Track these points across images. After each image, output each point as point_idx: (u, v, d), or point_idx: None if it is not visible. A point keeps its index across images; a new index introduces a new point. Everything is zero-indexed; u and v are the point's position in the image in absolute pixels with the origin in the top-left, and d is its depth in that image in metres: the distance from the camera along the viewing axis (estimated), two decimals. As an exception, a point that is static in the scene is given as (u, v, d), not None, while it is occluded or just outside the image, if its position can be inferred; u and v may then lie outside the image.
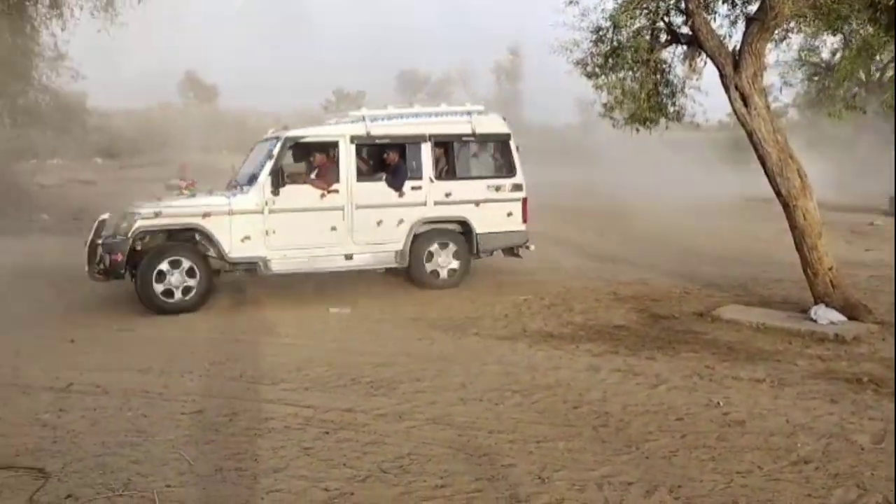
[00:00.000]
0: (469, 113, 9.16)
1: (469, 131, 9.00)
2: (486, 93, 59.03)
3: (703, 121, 9.00)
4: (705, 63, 7.78)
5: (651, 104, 8.49)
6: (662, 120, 8.76)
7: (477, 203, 8.90)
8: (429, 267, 8.76)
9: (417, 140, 8.78)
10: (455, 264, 8.87)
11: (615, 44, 8.13)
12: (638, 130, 9.03)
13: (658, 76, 8.38)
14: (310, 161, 8.70)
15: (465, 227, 8.90)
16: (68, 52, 11.68)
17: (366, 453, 4.14)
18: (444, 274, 8.84)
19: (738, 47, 7.43)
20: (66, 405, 4.87)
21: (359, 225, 8.45)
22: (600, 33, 8.24)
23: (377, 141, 8.75)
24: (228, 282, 8.73)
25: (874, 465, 3.99)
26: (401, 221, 8.59)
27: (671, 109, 8.75)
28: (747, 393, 5.18)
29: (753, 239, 12.94)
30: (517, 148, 9.25)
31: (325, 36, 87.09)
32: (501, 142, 9.23)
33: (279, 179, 8.07)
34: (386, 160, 8.89)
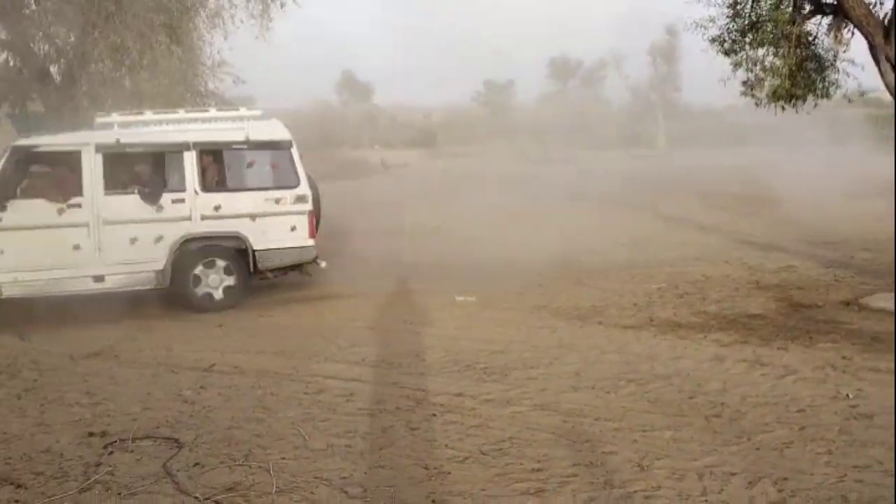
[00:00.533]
0: (243, 119, 8.24)
1: (242, 138, 8.07)
2: (640, 75, 57.52)
3: (857, 95, 8.33)
4: (852, 34, 7.25)
5: (796, 80, 8.04)
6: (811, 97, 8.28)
7: (253, 217, 7.93)
8: (198, 287, 7.80)
9: (179, 149, 7.85)
10: (229, 283, 7.86)
11: (753, 18, 7.75)
12: (784, 109, 8.58)
13: (802, 50, 7.89)
14: (50, 173, 7.91)
15: (241, 244, 7.91)
16: (224, 59, 12.61)
17: (468, 436, 4.26)
18: (215, 294, 7.84)
19: (889, 15, 6.86)
20: (206, 383, 5.34)
21: (108, 243, 7.52)
22: (737, 7, 7.90)
23: (128, 150, 7.82)
24: (372, 271, 9.12)
25: None
26: (160, 238, 7.67)
27: (820, 85, 8.24)
28: (883, 386, 4.82)
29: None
30: (300, 156, 8.28)
31: (474, 27, 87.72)
32: (281, 149, 8.21)
33: (5, 193, 7.27)
34: (139, 171, 8.11)
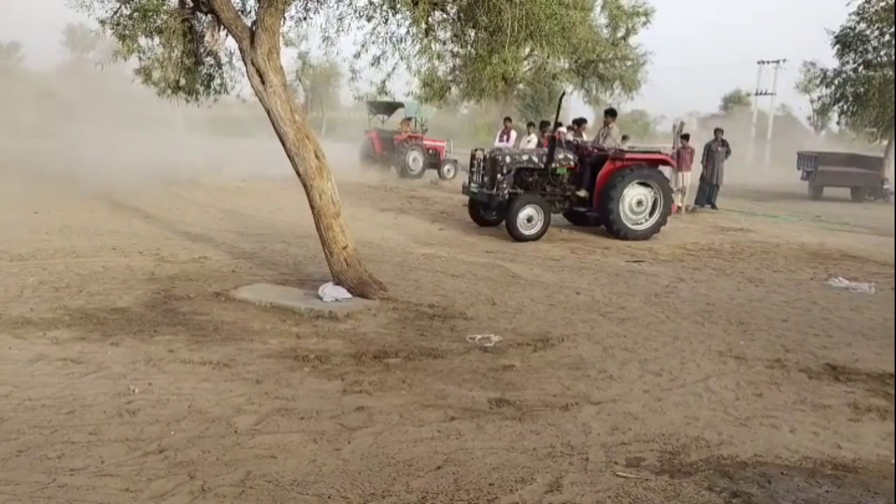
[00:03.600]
0: None
1: None
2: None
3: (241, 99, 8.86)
4: (228, 35, 7.52)
5: (193, 74, 8.14)
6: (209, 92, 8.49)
7: None
8: None
9: None
10: None
11: (143, 4, 7.57)
12: (188, 101, 8.64)
13: (196, 45, 8.00)
14: None
15: None
16: None
17: None
18: None
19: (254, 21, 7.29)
20: None
21: None
22: (125, -9, 7.65)
23: None
24: None
25: (228, 448, 3.96)
26: None
27: (217, 81, 8.48)
28: (180, 377, 5.00)
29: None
30: None
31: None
32: None
33: None
34: None
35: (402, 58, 7.97)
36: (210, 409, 4.48)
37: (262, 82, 7.19)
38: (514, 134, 17.01)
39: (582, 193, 12.37)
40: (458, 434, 4.26)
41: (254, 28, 7.20)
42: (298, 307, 6.87)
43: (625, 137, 13.08)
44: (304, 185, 7.42)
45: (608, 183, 12.14)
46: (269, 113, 7.30)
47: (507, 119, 18.34)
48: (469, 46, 7.72)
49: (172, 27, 7.41)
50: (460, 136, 49.25)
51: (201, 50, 8.12)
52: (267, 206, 14.19)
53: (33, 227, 10.67)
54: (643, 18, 26.46)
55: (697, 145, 19.07)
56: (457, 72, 8.24)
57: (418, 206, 15.52)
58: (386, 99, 23.95)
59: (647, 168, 12.50)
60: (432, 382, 5.13)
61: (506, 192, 11.82)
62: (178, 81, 7.90)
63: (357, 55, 7.84)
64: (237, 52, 7.87)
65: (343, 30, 7.91)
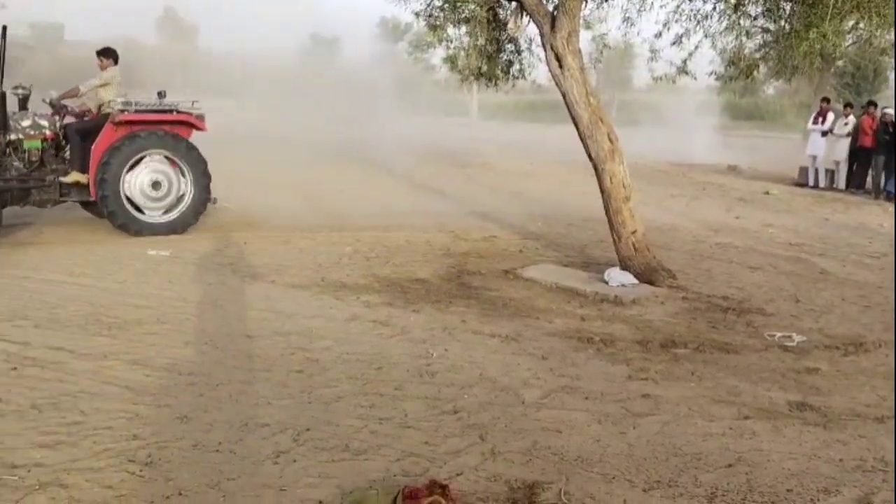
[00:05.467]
0: None
1: None
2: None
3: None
4: (529, 21, 7.71)
5: (494, 61, 8.50)
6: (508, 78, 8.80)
7: None
8: None
9: None
10: None
11: (454, -5, 8.05)
12: (488, 86, 9.06)
13: (499, 33, 8.33)
14: None
15: None
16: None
17: (32, 388, 4.22)
18: None
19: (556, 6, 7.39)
20: None
21: None
22: (440, -16, 8.17)
23: None
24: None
25: (515, 417, 4.12)
26: None
27: (517, 67, 8.75)
28: (472, 346, 5.29)
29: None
30: None
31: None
32: None
33: None
34: None
35: (706, 35, 7.63)
36: (499, 378, 4.69)
37: (560, 66, 7.28)
38: (831, 116, 15.39)
39: (71, 179, 8.51)
40: (752, 434, 4.01)
41: (555, 13, 7.30)
42: (583, 289, 6.91)
43: (160, 94, 8.97)
44: (595, 168, 7.41)
45: (105, 157, 8.52)
46: (564, 96, 7.37)
47: (825, 99, 16.58)
48: (783, 21, 7.13)
49: (479, 16, 7.76)
50: (765, 119, 45.86)
51: (503, 37, 8.42)
52: (555, 189, 14.43)
53: (341, 206, 11.92)
54: None
55: None
56: (766, 48, 7.60)
57: (713, 193, 14.76)
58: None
59: (166, 135, 8.78)
60: (724, 377, 4.88)
61: None
62: (480, 68, 8.28)
63: (658, 34, 7.62)
64: (536, 39, 8.08)
65: (645, 9, 7.73)
